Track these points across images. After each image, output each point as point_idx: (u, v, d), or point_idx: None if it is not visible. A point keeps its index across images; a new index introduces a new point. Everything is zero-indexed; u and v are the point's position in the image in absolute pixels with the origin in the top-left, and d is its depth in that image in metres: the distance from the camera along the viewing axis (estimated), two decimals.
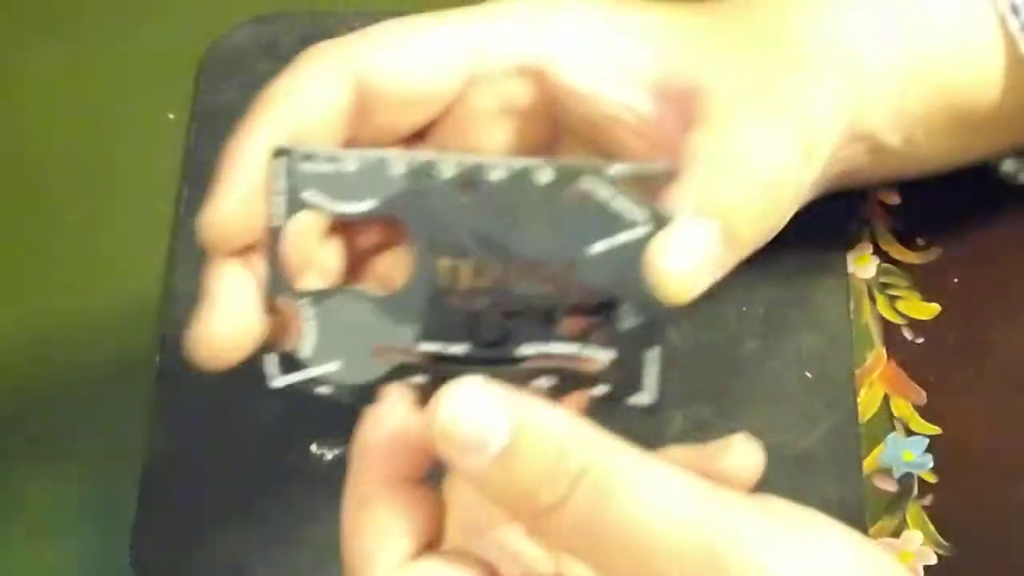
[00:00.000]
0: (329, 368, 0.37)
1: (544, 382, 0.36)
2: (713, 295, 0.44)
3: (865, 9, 0.44)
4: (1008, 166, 0.48)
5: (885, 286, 0.51)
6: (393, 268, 0.39)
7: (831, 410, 0.48)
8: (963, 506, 0.46)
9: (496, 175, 0.36)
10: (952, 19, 0.44)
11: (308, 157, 0.36)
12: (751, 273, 0.44)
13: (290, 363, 0.37)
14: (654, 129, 0.40)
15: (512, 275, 0.36)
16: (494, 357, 0.36)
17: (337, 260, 0.39)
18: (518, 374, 0.36)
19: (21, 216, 0.54)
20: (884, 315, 0.50)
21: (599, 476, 0.32)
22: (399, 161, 0.36)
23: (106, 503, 0.49)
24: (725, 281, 0.44)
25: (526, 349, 0.36)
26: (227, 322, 0.37)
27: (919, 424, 0.48)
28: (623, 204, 0.35)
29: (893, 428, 0.48)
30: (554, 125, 0.41)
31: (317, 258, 0.38)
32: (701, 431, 0.48)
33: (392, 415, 0.35)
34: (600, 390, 0.36)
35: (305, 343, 0.37)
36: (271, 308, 0.37)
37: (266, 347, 0.37)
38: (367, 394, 0.36)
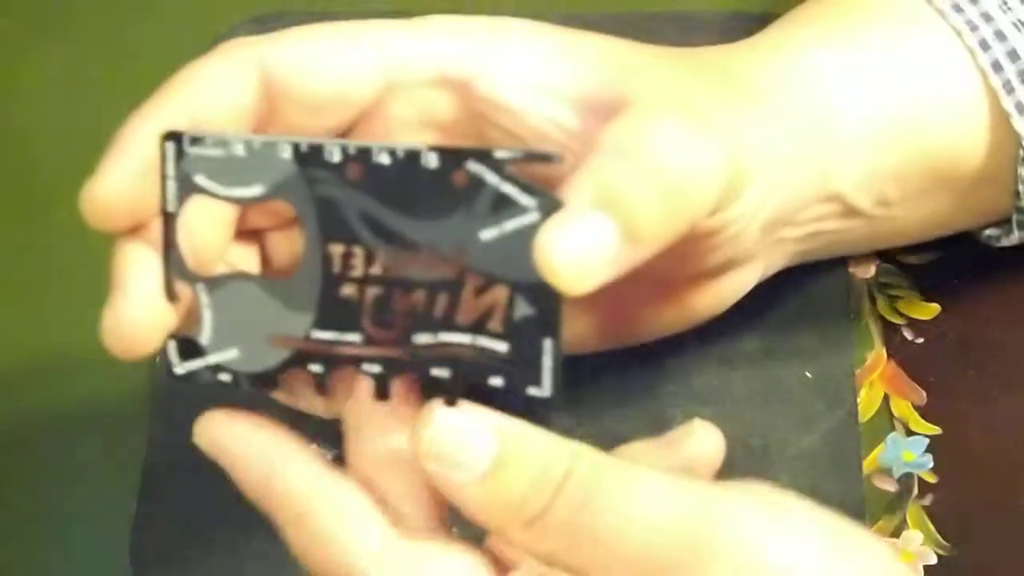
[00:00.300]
0: (227, 355, 0.36)
1: (439, 372, 0.35)
2: None
3: (841, 60, 0.44)
4: (991, 230, 0.48)
5: (885, 286, 0.51)
6: (294, 241, 0.38)
7: (831, 410, 0.48)
8: (963, 506, 0.46)
9: (383, 159, 0.35)
10: (931, 74, 0.44)
11: (197, 141, 0.35)
12: None
13: (190, 350, 0.36)
14: (581, 144, 0.38)
15: (403, 261, 0.35)
16: (388, 346, 0.35)
17: (248, 253, 0.39)
18: (413, 364, 0.35)
19: (21, 216, 0.54)
20: (884, 315, 0.50)
21: (582, 479, 0.33)
22: (286, 146, 0.35)
23: (106, 503, 0.49)
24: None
25: (421, 338, 0.35)
26: (132, 310, 0.36)
27: (919, 424, 0.48)
28: (511, 189, 0.34)
29: (893, 428, 0.48)
30: (478, 139, 0.40)
31: (222, 247, 0.38)
32: None
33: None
34: (496, 382, 0.34)
35: (204, 330, 0.36)
36: (170, 295, 0.36)
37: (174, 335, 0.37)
38: (266, 383, 0.36)
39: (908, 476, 0.47)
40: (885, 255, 0.51)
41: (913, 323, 0.50)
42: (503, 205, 0.34)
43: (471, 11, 0.41)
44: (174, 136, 0.36)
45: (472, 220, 0.34)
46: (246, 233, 0.39)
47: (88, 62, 0.57)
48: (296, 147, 0.35)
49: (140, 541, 0.47)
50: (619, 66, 0.39)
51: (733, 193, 0.38)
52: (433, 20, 0.40)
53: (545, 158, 0.34)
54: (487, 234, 0.34)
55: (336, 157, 0.35)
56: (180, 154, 0.36)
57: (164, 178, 0.36)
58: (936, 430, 0.48)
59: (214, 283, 0.36)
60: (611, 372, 0.48)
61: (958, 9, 0.44)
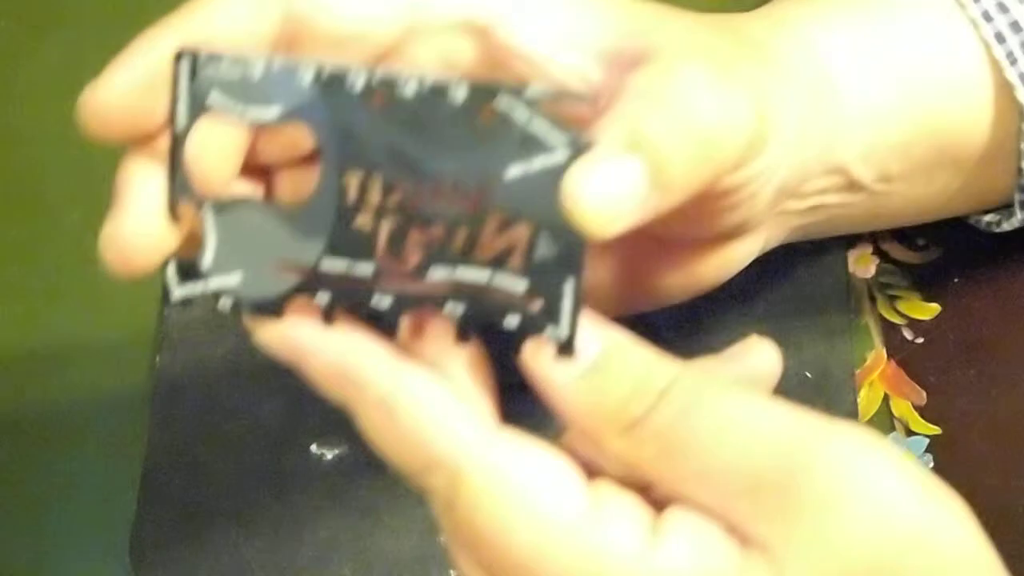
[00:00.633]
0: (230, 280, 0.35)
1: (453, 308, 0.34)
2: (713, 295, 0.45)
3: (844, 35, 0.44)
4: (990, 216, 0.48)
5: (885, 286, 0.51)
6: (301, 181, 0.37)
7: (831, 410, 0.48)
8: None
9: (410, 90, 0.34)
10: (934, 49, 0.44)
11: (214, 59, 0.35)
12: (751, 273, 0.44)
13: (190, 273, 0.35)
14: (603, 97, 0.38)
15: (423, 195, 0.34)
16: (401, 279, 0.34)
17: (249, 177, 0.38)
18: (426, 299, 0.34)
19: (21, 217, 0.54)
20: (884, 315, 0.50)
21: (684, 390, 0.33)
22: (308, 68, 0.34)
23: (106, 503, 0.49)
24: (725, 281, 0.44)
25: (436, 273, 0.34)
26: (133, 224, 0.35)
27: (919, 424, 0.48)
28: (541, 128, 0.33)
29: (893, 428, 0.48)
30: None
31: (231, 172, 0.37)
32: None
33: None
34: (512, 321, 0.34)
35: (206, 253, 0.35)
36: (173, 215, 0.35)
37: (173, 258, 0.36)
38: (269, 310, 0.35)
39: None
40: (885, 255, 0.51)
41: (913, 323, 0.50)
42: (531, 143, 0.34)
43: None
44: (189, 53, 0.35)
45: (498, 156, 0.34)
46: (253, 169, 0.38)
47: (88, 62, 0.57)
48: (319, 71, 0.34)
49: (140, 541, 0.47)
50: (643, 19, 0.39)
51: (755, 149, 0.38)
52: None
53: (578, 97, 0.34)
54: (513, 171, 0.34)
55: (360, 84, 0.34)
56: (194, 72, 0.35)
57: (175, 96, 0.35)
58: (936, 430, 0.48)
59: (221, 206, 0.35)
60: None
61: None
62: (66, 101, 0.58)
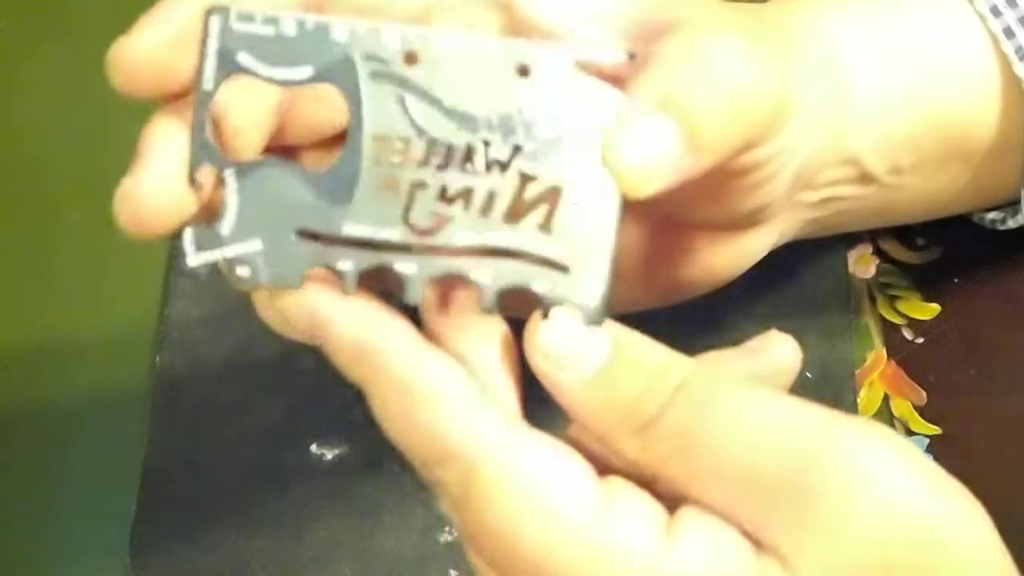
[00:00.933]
0: (249, 247, 0.34)
1: (480, 274, 0.33)
2: (713, 295, 0.45)
3: (856, 26, 0.44)
4: (994, 213, 0.48)
5: (885, 286, 0.51)
6: (327, 161, 0.36)
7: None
8: None
9: (443, 49, 0.33)
10: (944, 41, 0.44)
11: (245, 18, 0.34)
12: (751, 273, 0.44)
13: (209, 240, 0.34)
14: (625, 72, 0.37)
15: (452, 157, 0.33)
16: (427, 244, 0.33)
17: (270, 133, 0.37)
18: (453, 264, 0.33)
19: (21, 217, 0.54)
20: (884, 315, 0.50)
21: (698, 387, 0.33)
22: (342, 28, 0.34)
23: (106, 503, 0.49)
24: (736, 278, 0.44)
25: (463, 237, 0.33)
26: (151, 184, 0.34)
27: (919, 424, 0.48)
28: (576, 87, 0.33)
29: (893, 428, 0.48)
30: None
31: (258, 137, 0.36)
32: None
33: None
34: (541, 287, 0.33)
35: (226, 218, 0.34)
36: (192, 177, 0.34)
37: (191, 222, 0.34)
38: (288, 279, 0.34)
39: None
40: (885, 255, 0.51)
41: (913, 323, 0.50)
42: (565, 104, 0.33)
43: None
44: (220, 10, 0.34)
45: (531, 118, 0.33)
46: (279, 150, 0.37)
47: (89, 62, 0.56)
48: (352, 29, 0.34)
49: (140, 541, 0.47)
50: None
51: (779, 122, 0.38)
52: None
53: (613, 56, 0.34)
54: (545, 132, 0.33)
55: (394, 43, 0.34)
56: (225, 31, 0.34)
57: (203, 54, 0.34)
58: (936, 430, 0.48)
59: (244, 169, 0.34)
60: None
61: None
62: (66, 101, 0.58)
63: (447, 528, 0.47)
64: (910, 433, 0.48)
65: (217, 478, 0.48)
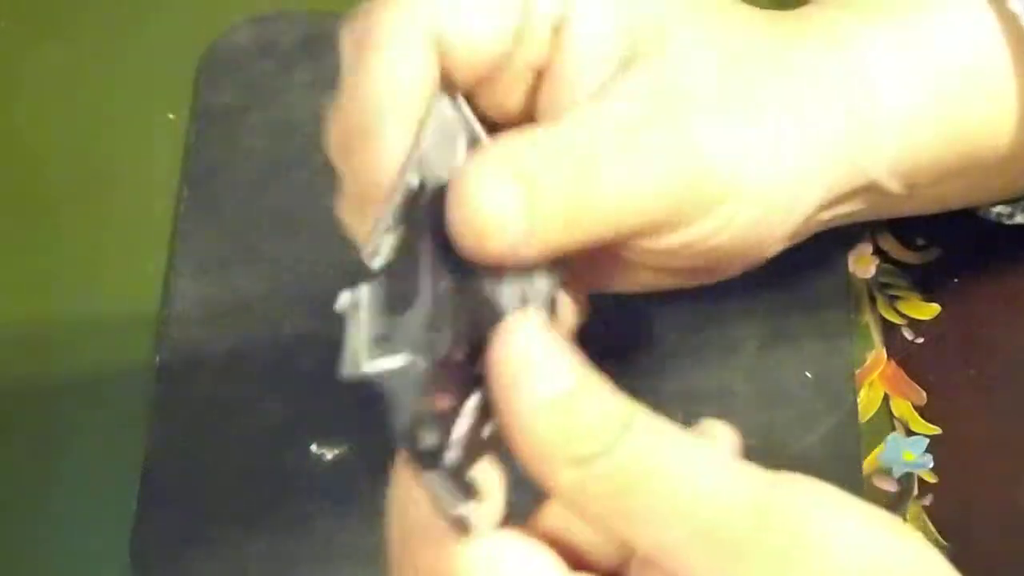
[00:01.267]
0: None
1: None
2: (713, 295, 0.44)
3: (882, 34, 0.43)
4: (1001, 208, 0.48)
5: (885, 286, 0.51)
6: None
7: (831, 410, 0.48)
8: (963, 506, 0.46)
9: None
10: (968, 46, 0.43)
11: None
12: (751, 273, 0.44)
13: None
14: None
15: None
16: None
17: None
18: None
19: (21, 216, 0.54)
20: (884, 315, 0.50)
21: (645, 431, 0.32)
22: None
23: (106, 503, 0.49)
24: (725, 281, 0.44)
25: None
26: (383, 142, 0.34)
27: (919, 424, 0.48)
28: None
29: (893, 428, 0.48)
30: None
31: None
32: None
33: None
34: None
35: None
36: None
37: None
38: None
39: (908, 476, 0.47)
40: (885, 255, 0.51)
41: (913, 323, 0.50)
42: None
43: None
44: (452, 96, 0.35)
45: None
46: None
47: (89, 62, 0.57)
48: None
49: (140, 541, 0.47)
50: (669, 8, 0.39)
51: (696, 210, 0.38)
52: None
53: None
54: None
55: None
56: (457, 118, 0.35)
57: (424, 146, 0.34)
58: (936, 430, 0.48)
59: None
60: (611, 372, 0.48)
61: None
62: (67, 100, 0.58)
63: None
64: (910, 433, 0.48)
65: (217, 478, 0.48)
